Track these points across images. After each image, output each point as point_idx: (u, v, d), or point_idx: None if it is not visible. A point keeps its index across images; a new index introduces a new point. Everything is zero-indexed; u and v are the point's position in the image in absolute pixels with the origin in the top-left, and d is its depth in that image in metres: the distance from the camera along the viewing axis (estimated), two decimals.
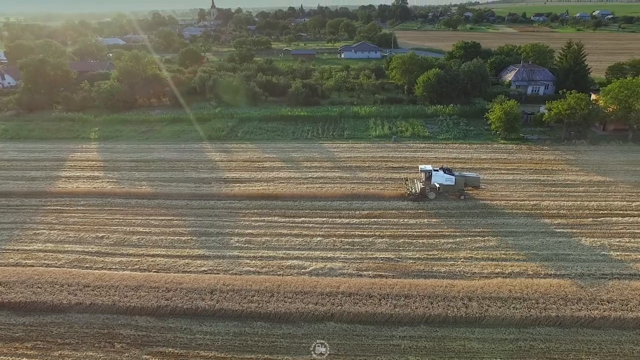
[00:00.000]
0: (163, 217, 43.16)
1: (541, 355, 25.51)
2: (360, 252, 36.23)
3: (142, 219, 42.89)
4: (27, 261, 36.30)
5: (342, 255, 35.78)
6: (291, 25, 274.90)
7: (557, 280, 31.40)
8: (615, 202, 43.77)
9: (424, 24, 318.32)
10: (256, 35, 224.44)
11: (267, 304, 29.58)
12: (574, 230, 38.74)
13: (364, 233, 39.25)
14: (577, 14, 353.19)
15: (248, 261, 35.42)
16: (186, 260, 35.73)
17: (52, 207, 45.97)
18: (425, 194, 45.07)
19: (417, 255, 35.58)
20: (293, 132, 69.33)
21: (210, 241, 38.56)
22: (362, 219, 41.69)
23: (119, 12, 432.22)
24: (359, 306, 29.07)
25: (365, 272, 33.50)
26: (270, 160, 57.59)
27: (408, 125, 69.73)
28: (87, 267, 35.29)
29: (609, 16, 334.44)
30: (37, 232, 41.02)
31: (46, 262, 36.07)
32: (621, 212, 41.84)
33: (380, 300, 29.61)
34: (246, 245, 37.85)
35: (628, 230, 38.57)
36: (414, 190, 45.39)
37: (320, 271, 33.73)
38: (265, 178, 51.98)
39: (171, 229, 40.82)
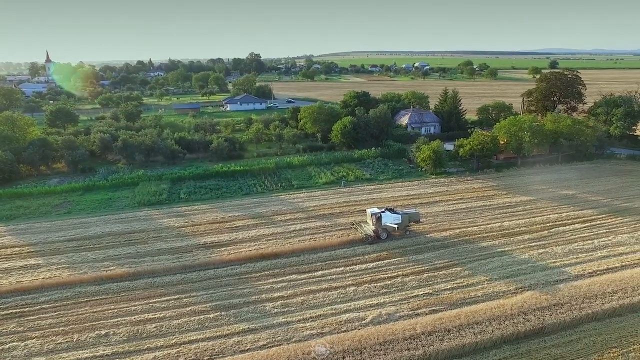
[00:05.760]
0: (167, 297, 37.93)
1: (603, 346, 30.60)
2: (400, 293, 37.69)
3: (142, 304, 36.97)
4: None
5: (387, 300, 36.73)
6: (150, 79, 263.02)
7: (570, 283, 37.80)
8: (551, 216, 54.21)
9: (281, 76, 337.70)
10: (114, 91, 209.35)
11: None
12: (543, 242, 46.87)
13: (388, 275, 40.88)
14: (403, 65, 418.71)
15: (302, 324, 33.72)
16: (235, 338, 32.26)
17: (3, 313, 36.26)
18: (379, 235, 48.53)
19: (449, 286, 38.67)
20: (239, 187, 67.27)
21: (244, 312, 35.48)
22: (377, 262, 43.28)
23: None
24: (446, 342, 30.53)
25: (420, 310, 35.11)
26: (239, 219, 55.05)
27: (346, 170, 74.06)
28: None
29: (427, 67, 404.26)
30: (6, 346, 32.11)
31: None
32: (560, 222, 52.08)
33: (458, 331, 31.57)
34: (286, 309, 35.89)
35: (577, 236, 48.33)
36: (369, 234, 47.46)
37: (380, 319, 34.10)
38: (248, 237, 49.63)
39: (188, 308, 36.22)
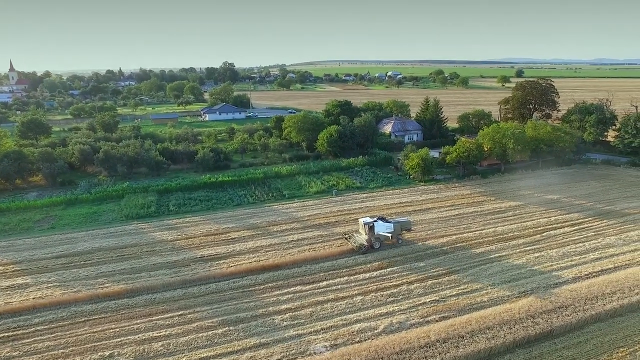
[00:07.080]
0: (170, 314, 36.71)
1: (611, 346, 31.51)
2: (408, 301, 37.77)
3: (145, 322, 35.64)
4: None
5: (396, 308, 36.72)
6: (122, 88, 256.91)
7: (570, 285, 38.84)
8: (541, 220, 55.75)
9: (256, 85, 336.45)
10: (85, 101, 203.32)
11: None
12: (537, 247, 48.08)
13: (393, 283, 40.93)
14: (377, 74, 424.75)
15: (314, 337, 33.24)
16: (247, 354, 31.49)
17: None
18: (372, 245, 48.41)
19: (455, 292, 39.05)
20: (230, 198, 66.19)
21: (253, 327, 34.71)
22: (380, 271, 43.27)
23: None
24: (462, 348, 30.72)
25: (430, 317, 35.25)
26: (234, 231, 54.08)
27: (336, 179, 74.08)
28: None
29: (399, 76, 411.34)
30: None
31: None
32: (551, 226, 53.60)
33: (472, 337, 31.83)
34: (296, 321, 35.33)
35: (568, 239, 49.84)
36: (362, 243, 47.18)
37: (392, 327, 34.01)
38: (246, 249, 48.79)
39: (194, 324, 35.15)
